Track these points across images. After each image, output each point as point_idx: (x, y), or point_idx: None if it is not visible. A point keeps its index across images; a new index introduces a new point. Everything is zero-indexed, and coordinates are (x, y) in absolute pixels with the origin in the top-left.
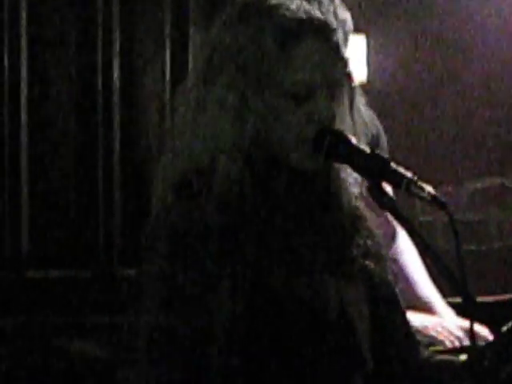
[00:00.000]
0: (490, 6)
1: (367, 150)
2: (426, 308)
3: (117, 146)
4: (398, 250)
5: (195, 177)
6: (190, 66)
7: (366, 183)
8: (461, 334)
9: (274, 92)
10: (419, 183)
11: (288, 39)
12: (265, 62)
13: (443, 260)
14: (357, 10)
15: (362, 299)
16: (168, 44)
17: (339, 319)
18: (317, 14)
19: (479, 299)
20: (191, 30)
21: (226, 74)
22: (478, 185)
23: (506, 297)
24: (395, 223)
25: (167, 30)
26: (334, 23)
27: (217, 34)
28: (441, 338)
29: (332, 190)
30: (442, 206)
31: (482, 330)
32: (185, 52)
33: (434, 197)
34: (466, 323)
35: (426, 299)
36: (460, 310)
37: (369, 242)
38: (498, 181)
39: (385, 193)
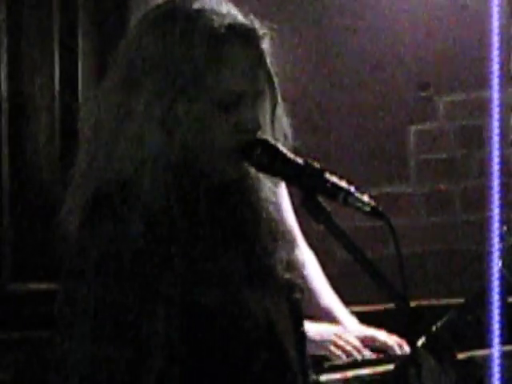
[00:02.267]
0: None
1: (300, 160)
2: (327, 317)
3: (5, 157)
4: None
5: (116, 188)
6: (80, 74)
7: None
8: (358, 343)
9: (202, 100)
10: (356, 194)
11: (216, 45)
12: (193, 68)
13: (377, 268)
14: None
15: (287, 315)
16: (56, 53)
17: (268, 335)
18: (245, 19)
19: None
20: (80, 38)
21: (152, 79)
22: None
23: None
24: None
25: (56, 38)
26: (261, 30)
27: (138, 37)
28: (338, 353)
29: (251, 201)
30: (381, 216)
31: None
32: (74, 61)
33: (372, 207)
34: (368, 331)
35: (328, 308)
36: (362, 318)
37: (290, 255)
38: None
39: (320, 205)
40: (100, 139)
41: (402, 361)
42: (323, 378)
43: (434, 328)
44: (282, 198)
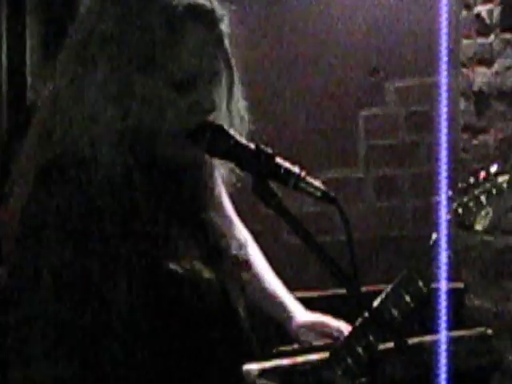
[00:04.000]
0: None
1: (251, 145)
2: (273, 304)
3: None
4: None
5: (72, 162)
6: (28, 56)
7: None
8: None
9: (158, 78)
10: (307, 179)
11: (175, 24)
12: (150, 46)
13: (327, 253)
14: None
15: (238, 288)
16: (4, 35)
17: (223, 302)
18: (204, 0)
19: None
20: (28, 20)
21: (108, 56)
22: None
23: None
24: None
25: (3, 20)
26: (220, 11)
27: (95, 11)
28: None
29: (206, 185)
30: (332, 200)
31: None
32: (22, 43)
33: (323, 192)
34: (316, 317)
35: (273, 293)
36: (306, 306)
37: (235, 242)
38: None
39: (270, 190)
40: (55, 113)
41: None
42: (271, 363)
43: (375, 304)
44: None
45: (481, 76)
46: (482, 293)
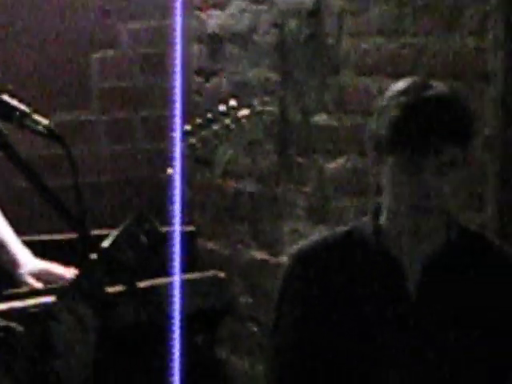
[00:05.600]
0: None
1: None
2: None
3: None
4: None
5: None
6: None
7: None
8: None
9: None
10: (34, 116)
11: None
12: None
13: (57, 196)
14: None
15: None
16: None
17: None
18: None
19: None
20: None
21: None
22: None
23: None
24: None
25: None
26: None
27: None
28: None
29: None
30: (59, 139)
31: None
32: None
33: (50, 130)
34: (42, 264)
35: (1, 241)
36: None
37: None
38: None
39: None
40: None
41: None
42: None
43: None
44: None
45: (215, 19)
46: (213, 236)
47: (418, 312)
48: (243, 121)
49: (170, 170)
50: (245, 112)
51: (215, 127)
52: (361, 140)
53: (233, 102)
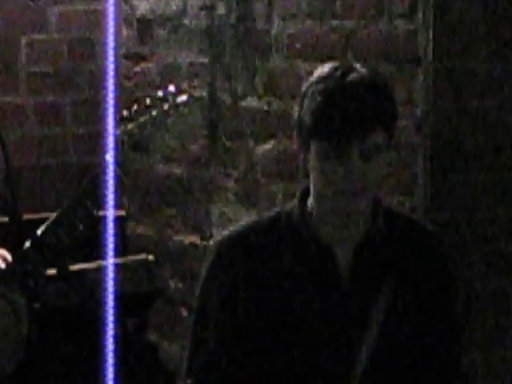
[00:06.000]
0: None
1: None
2: None
3: None
4: None
5: None
6: None
7: None
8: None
9: None
10: None
11: None
12: None
13: None
14: None
15: None
16: None
17: None
18: None
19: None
20: None
21: None
22: None
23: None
24: None
25: None
26: None
27: None
28: None
29: None
30: None
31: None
32: None
33: None
34: None
35: None
36: None
37: None
38: None
39: None
40: None
41: None
42: None
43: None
44: None
45: (144, 2)
46: (143, 220)
47: (349, 298)
48: (181, 107)
49: (106, 157)
50: (183, 98)
51: (154, 113)
52: (290, 124)
53: (172, 88)
